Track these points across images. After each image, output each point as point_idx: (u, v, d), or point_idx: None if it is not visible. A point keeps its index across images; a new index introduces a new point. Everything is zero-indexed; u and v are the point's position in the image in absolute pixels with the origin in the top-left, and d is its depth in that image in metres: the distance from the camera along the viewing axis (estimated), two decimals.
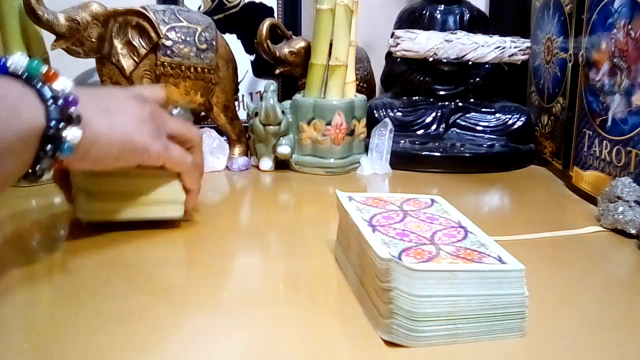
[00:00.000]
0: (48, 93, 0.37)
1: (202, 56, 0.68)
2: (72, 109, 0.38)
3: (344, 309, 0.37)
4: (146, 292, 0.39)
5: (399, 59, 0.82)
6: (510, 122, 0.80)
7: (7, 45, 0.64)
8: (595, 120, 0.62)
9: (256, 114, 0.71)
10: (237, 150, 0.75)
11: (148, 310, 0.37)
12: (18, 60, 0.37)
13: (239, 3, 0.84)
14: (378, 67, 0.89)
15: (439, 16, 0.83)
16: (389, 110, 0.80)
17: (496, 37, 0.78)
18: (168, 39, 0.66)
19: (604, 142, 0.60)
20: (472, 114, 0.80)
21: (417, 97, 0.82)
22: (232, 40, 0.83)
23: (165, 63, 0.67)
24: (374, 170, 0.73)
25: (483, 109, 0.81)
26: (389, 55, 0.84)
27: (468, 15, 0.84)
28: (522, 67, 0.82)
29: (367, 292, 0.36)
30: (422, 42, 0.77)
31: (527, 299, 0.34)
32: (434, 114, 0.80)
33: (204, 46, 0.68)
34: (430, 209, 0.44)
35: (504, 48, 0.78)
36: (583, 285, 0.42)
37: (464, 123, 0.80)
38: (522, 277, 0.33)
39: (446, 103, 0.81)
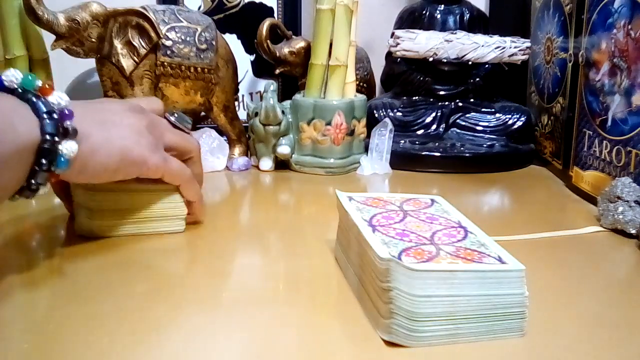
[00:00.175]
0: (43, 107, 0.37)
1: (202, 56, 0.68)
2: (68, 123, 0.38)
3: (344, 309, 0.37)
4: (146, 292, 0.39)
5: (399, 59, 0.82)
6: (510, 122, 0.80)
7: (7, 45, 0.64)
8: (595, 120, 0.62)
9: (256, 114, 0.71)
10: (237, 150, 0.75)
11: (148, 310, 0.37)
12: (12, 74, 0.37)
13: (239, 3, 0.84)
14: (378, 67, 0.89)
15: (439, 16, 0.83)
16: (389, 110, 0.80)
17: (496, 37, 0.78)
18: (168, 39, 0.66)
19: (604, 142, 0.60)
20: (472, 114, 0.80)
21: (417, 97, 0.82)
22: (232, 40, 0.83)
23: (165, 63, 0.67)
24: (374, 170, 0.73)
25: (483, 109, 0.81)
26: (389, 55, 0.84)
27: (468, 15, 0.84)
28: (522, 67, 0.83)
29: (367, 292, 0.36)
30: (422, 42, 0.77)
31: (527, 299, 0.34)
32: (434, 114, 0.80)
33: (204, 46, 0.68)
34: (430, 209, 0.44)
35: (504, 48, 0.78)
36: (583, 285, 0.42)
37: (464, 123, 0.80)
38: (522, 277, 0.33)
39: (446, 103, 0.81)
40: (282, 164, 0.74)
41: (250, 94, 0.87)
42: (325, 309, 0.38)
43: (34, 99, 0.37)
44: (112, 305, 0.37)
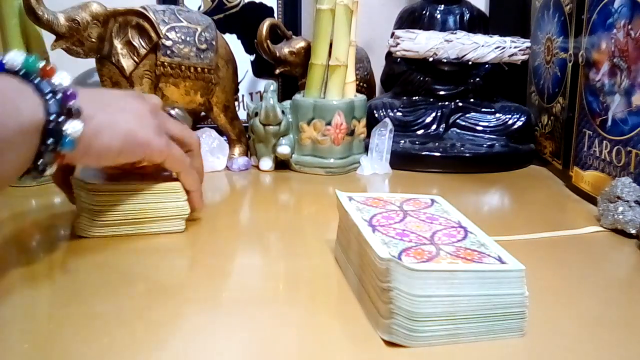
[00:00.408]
0: (46, 87, 0.37)
1: (202, 56, 0.68)
2: (72, 102, 0.38)
3: (344, 309, 0.37)
4: (146, 292, 0.39)
5: (399, 59, 0.82)
6: (510, 122, 0.80)
7: (7, 45, 0.64)
8: (595, 120, 0.62)
9: (256, 114, 0.71)
10: (237, 150, 0.75)
11: (148, 310, 0.37)
12: (14, 56, 0.37)
13: (239, 3, 0.84)
14: (378, 67, 0.89)
15: (439, 16, 0.83)
16: (389, 110, 0.80)
17: (496, 37, 0.78)
18: (168, 39, 0.66)
19: (604, 142, 0.60)
20: (472, 114, 0.80)
21: (417, 97, 0.82)
22: (232, 40, 0.83)
23: (165, 63, 0.67)
24: (374, 170, 0.73)
25: (483, 109, 0.81)
26: (389, 55, 0.84)
27: (468, 15, 0.84)
28: (522, 67, 0.83)
29: (367, 292, 0.36)
30: (422, 42, 0.77)
31: (527, 299, 0.34)
32: (434, 114, 0.80)
33: (204, 46, 0.68)
34: (430, 209, 0.44)
35: (504, 48, 0.78)
36: (583, 285, 0.42)
37: (464, 123, 0.80)
38: (522, 277, 0.33)
39: (446, 103, 0.81)
40: (282, 164, 0.74)
41: (250, 94, 0.87)
42: (325, 309, 0.38)
43: (37, 80, 0.37)
44: (112, 305, 0.37)
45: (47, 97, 0.37)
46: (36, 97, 0.37)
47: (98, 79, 0.68)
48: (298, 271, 0.44)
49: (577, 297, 0.40)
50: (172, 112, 0.52)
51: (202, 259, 0.47)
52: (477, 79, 0.82)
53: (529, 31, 0.84)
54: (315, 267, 0.44)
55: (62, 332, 0.34)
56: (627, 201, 0.52)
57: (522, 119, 0.80)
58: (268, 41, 0.76)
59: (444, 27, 0.82)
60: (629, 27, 0.56)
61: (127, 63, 0.65)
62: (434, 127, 0.80)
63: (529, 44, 0.79)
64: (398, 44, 0.78)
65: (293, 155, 0.73)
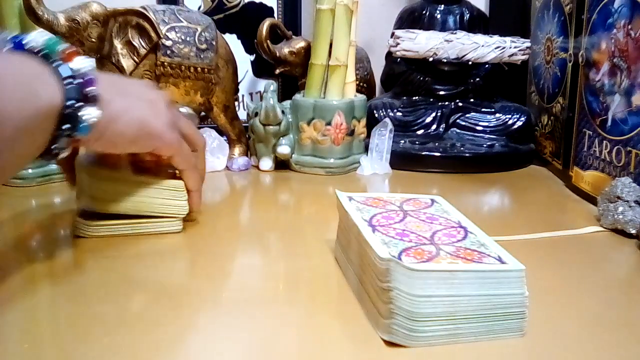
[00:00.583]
0: (66, 72, 0.37)
1: (202, 56, 0.68)
2: (90, 89, 0.38)
3: (344, 309, 0.37)
4: (146, 292, 0.39)
5: (399, 59, 0.82)
6: (510, 122, 0.80)
7: None
8: (595, 120, 0.62)
9: (256, 114, 0.71)
10: (237, 150, 0.75)
11: (148, 310, 0.37)
12: (36, 37, 0.37)
13: (239, 3, 0.84)
14: (378, 67, 0.89)
15: (439, 16, 0.83)
16: (389, 110, 0.80)
17: (496, 37, 0.78)
18: (168, 39, 0.66)
19: (604, 142, 0.60)
20: (472, 114, 0.80)
21: (417, 97, 0.82)
22: (232, 40, 0.83)
23: (165, 63, 0.67)
24: (374, 170, 0.73)
25: (483, 109, 0.81)
26: (389, 55, 0.84)
27: (468, 15, 0.84)
28: (522, 67, 0.82)
29: (367, 292, 0.36)
30: (422, 42, 0.77)
31: (527, 299, 0.34)
32: (434, 114, 0.80)
33: (204, 46, 0.68)
34: (430, 209, 0.44)
35: (504, 48, 0.78)
36: (583, 285, 0.42)
37: (464, 123, 0.80)
38: (522, 277, 0.33)
39: (446, 103, 0.81)
40: (282, 164, 0.74)
41: (250, 94, 0.87)
42: (325, 309, 0.38)
43: (57, 64, 0.37)
44: (112, 305, 0.37)
45: (66, 82, 0.36)
46: (55, 81, 0.36)
47: None
48: (298, 271, 0.44)
49: (577, 297, 0.40)
50: (182, 109, 0.52)
51: (202, 259, 0.47)
52: (477, 79, 0.82)
53: (529, 31, 0.84)
54: (315, 267, 0.44)
55: (62, 332, 0.34)
56: (627, 201, 0.52)
57: (522, 119, 0.80)
58: (268, 41, 0.76)
59: (444, 27, 0.82)
60: (629, 27, 0.56)
61: (127, 63, 0.65)
62: (434, 127, 0.80)
63: (529, 44, 0.79)
64: (398, 44, 0.78)
65: (293, 155, 0.73)
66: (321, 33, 0.71)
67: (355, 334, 0.34)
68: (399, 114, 0.80)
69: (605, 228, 0.53)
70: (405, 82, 0.83)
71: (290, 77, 0.82)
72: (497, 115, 0.80)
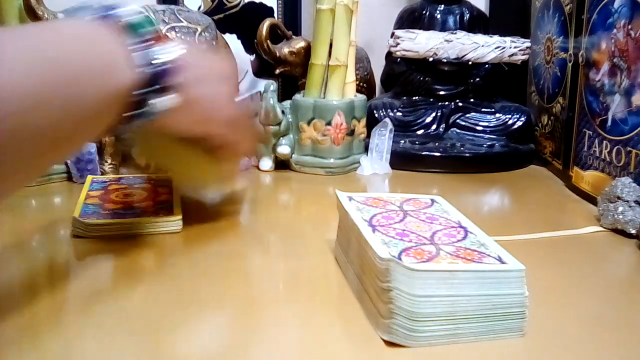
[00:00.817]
0: (148, 57, 0.35)
1: None
2: (168, 79, 0.36)
3: (344, 309, 0.37)
4: (146, 292, 0.39)
5: (399, 59, 0.82)
6: (510, 122, 0.80)
7: None
8: (595, 120, 0.62)
9: (256, 114, 0.71)
10: None
11: (148, 310, 0.37)
12: (130, 12, 0.35)
13: (239, 3, 0.84)
14: (378, 67, 0.89)
15: (439, 16, 0.83)
16: (389, 110, 0.80)
17: (496, 37, 0.78)
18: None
19: (604, 142, 0.60)
20: (472, 114, 0.80)
21: (417, 97, 0.82)
22: (232, 40, 0.83)
23: None
24: (374, 170, 0.73)
25: (483, 109, 0.81)
26: (389, 55, 0.84)
27: (468, 15, 0.84)
28: (522, 67, 0.82)
29: (367, 292, 0.36)
30: (422, 42, 0.77)
31: (527, 299, 0.34)
32: (434, 114, 0.80)
33: (203, 46, 0.68)
34: (430, 209, 0.44)
35: (504, 48, 0.78)
36: (583, 285, 0.42)
37: (464, 123, 0.80)
38: (522, 277, 0.33)
39: (446, 103, 0.81)
40: (282, 164, 0.74)
41: (251, 94, 0.87)
42: (325, 309, 0.38)
43: (142, 47, 0.35)
44: (112, 304, 0.37)
45: (145, 69, 0.35)
46: (134, 64, 0.34)
47: None
48: (298, 271, 0.44)
49: (577, 297, 0.40)
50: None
51: (202, 259, 0.46)
52: (477, 79, 0.82)
53: (529, 31, 0.84)
54: (315, 267, 0.44)
55: (62, 332, 0.34)
56: (627, 201, 0.52)
57: (522, 119, 0.79)
58: (268, 41, 0.76)
59: (444, 27, 0.82)
60: (629, 27, 0.56)
61: None
62: (434, 127, 0.80)
63: (529, 44, 0.79)
64: (398, 44, 0.78)
65: (293, 155, 0.73)
66: (321, 33, 0.71)
67: (355, 334, 0.34)
68: (399, 114, 0.80)
69: (605, 228, 0.53)
70: (405, 82, 0.83)
71: (290, 77, 0.82)
72: (497, 115, 0.80)
